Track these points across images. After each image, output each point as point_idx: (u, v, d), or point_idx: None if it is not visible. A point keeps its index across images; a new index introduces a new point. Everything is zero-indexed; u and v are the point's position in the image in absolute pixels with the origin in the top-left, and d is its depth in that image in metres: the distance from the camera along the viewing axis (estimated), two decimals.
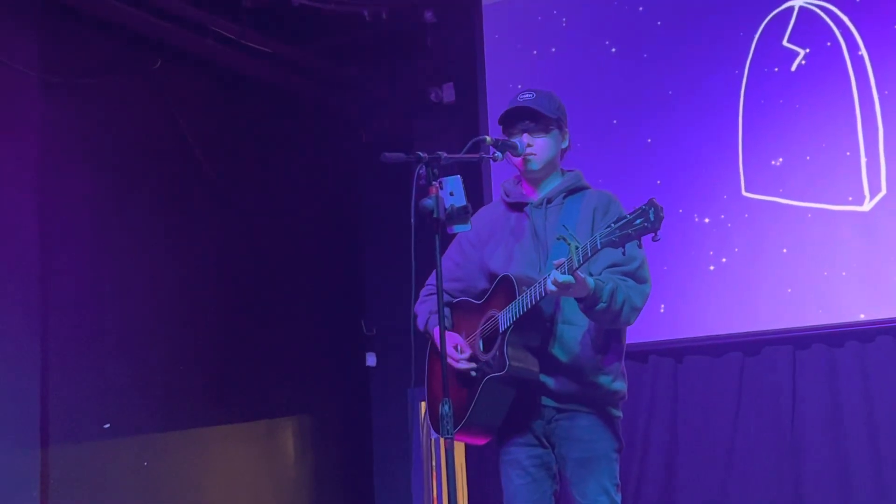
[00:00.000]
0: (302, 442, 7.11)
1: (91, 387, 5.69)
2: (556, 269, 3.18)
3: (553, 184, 3.64)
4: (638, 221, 2.99)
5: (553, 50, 6.21)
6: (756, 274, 5.51)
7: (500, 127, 3.65)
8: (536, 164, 3.58)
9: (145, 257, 6.12)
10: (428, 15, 6.69)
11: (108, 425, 5.73)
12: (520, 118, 3.56)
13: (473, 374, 3.46)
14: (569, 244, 3.15)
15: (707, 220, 5.66)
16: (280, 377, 6.94)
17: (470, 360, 3.50)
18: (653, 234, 2.98)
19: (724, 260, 5.61)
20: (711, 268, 5.63)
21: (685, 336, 5.69)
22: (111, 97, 6.03)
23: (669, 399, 5.79)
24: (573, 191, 3.61)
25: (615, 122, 5.96)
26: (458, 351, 3.50)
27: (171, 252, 6.29)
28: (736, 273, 5.56)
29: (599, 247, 3.08)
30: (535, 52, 6.26)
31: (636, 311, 3.40)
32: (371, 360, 7.72)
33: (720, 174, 5.67)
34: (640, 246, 3.05)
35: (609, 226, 3.07)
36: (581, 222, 3.47)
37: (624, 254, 3.07)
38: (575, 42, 6.15)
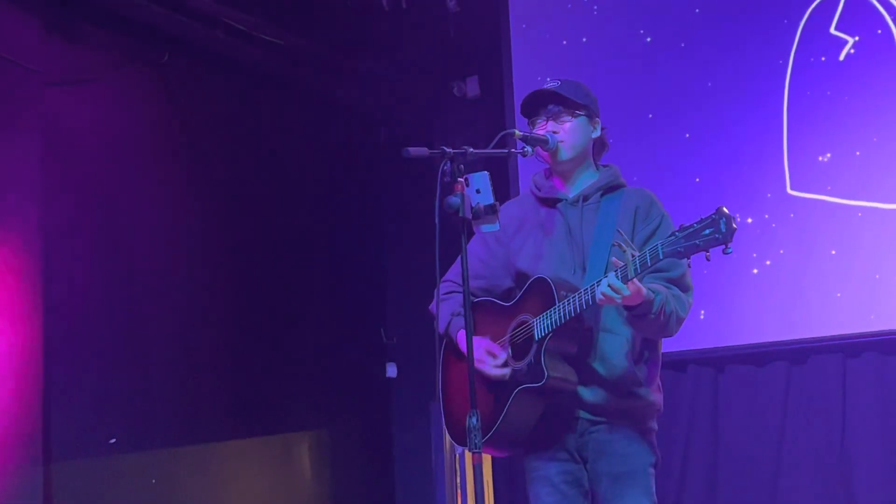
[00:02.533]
0: (319, 458, 7.09)
1: (96, 399, 5.68)
2: (611, 276, 3.11)
3: (587, 179, 3.58)
4: (707, 231, 2.91)
5: (584, 40, 6.16)
6: (803, 277, 5.43)
7: (525, 119, 3.60)
8: (566, 152, 3.51)
9: (155, 261, 6.11)
10: (451, 3, 6.66)
11: (114, 440, 5.72)
12: (543, 104, 3.51)
13: (507, 377, 3.41)
14: (624, 251, 3.08)
15: (750, 220, 5.59)
16: (296, 389, 6.94)
17: (503, 366, 3.44)
18: (724, 247, 2.91)
19: (768, 262, 5.53)
20: (755, 271, 5.55)
21: (727, 344, 5.61)
22: (117, 92, 6.03)
23: (710, 411, 5.72)
24: (611, 189, 3.55)
25: (651, 116, 5.90)
26: (491, 356, 3.43)
27: (182, 256, 6.29)
28: (781, 276, 5.48)
29: (662, 257, 3.01)
30: (564, 42, 6.21)
31: (681, 321, 3.36)
32: (392, 370, 7.70)
33: (764, 171, 5.59)
34: (707, 258, 2.97)
35: (674, 234, 2.99)
36: (621, 224, 3.42)
37: (689, 265, 3.01)
38: (607, 31, 6.09)
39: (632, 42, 6.00)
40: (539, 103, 3.52)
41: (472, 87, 7.15)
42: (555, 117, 3.51)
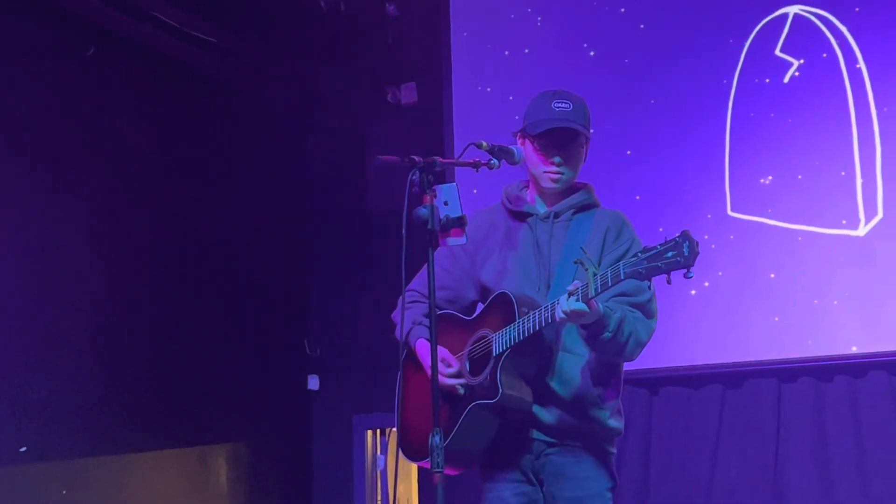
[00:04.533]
0: (236, 471, 7.00)
1: (6, 407, 5.55)
2: (570, 295, 3.14)
3: (561, 196, 3.59)
4: (670, 254, 2.96)
5: (526, 51, 6.20)
6: (741, 300, 5.53)
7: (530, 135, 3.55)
8: (563, 183, 3.54)
9: (70, 265, 5.99)
10: (390, 8, 6.67)
11: (24, 448, 5.60)
12: (558, 138, 3.48)
13: (461, 390, 3.41)
14: (586, 269, 3.10)
15: None
16: (214, 400, 6.83)
17: (456, 376, 3.44)
18: (686, 270, 2.95)
19: (706, 284, 5.61)
20: (693, 292, 5.63)
21: (662, 365, 5.65)
22: (40, 86, 5.90)
23: (642, 434, 5.78)
24: (584, 207, 3.58)
25: (592, 131, 5.91)
26: (445, 365, 3.43)
27: (99, 258, 6.17)
28: (719, 299, 5.57)
29: (623, 277, 3.04)
30: (506, 52, 6.24)
31: (640, 346, 3.38)
32: (313, 383, 7.65)
33: (705, 192, 5.69)
34: (668, 281, 3.00)
35: (636, 255, 3.02)
36: (589, 243, 3.43)
37: (650, 287, 3.04)
38: (550, 43, 6.14)
39: (575, 55, 6.05)
40: (562, 141, 3.49)
41: (408, 95, 7.14)
42: (564, 154, 3.50)
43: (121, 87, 6.41)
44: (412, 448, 3.51)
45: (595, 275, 3.08)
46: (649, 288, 3.07)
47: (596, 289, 3.09)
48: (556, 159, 3.49)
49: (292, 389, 7.54)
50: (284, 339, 7.53)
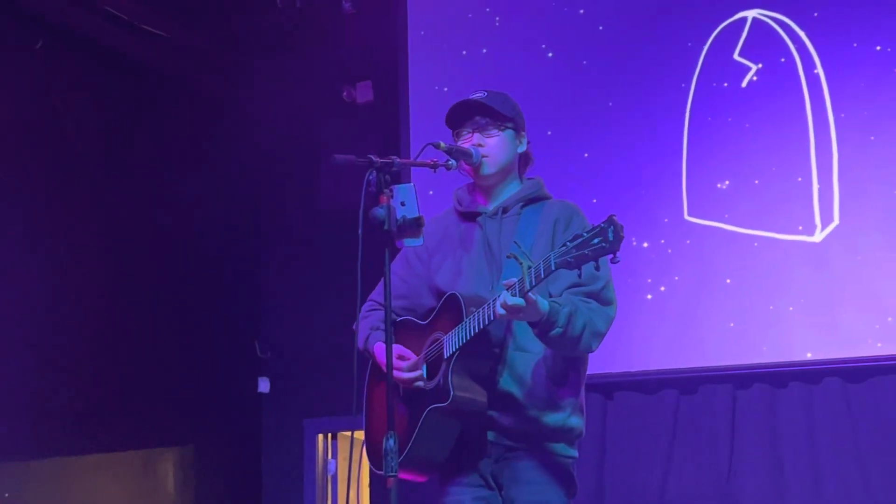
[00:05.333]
0: (183, 475, 6.97)
1: None
2: (507, 290, 3.13)
3: (510, 191, 3.59)
4: (595, 241, 2.95)
5: (484, 51, 6.20)
6: (697, 305, 5.55)
7: (450, 130, 3.60)
8: (489, 167, 3.52)
9: (9, 260, 5.92)
10: (346, 5, 6.64)
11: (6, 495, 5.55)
12: (470, 115, 3.51)
13: (422, 384, 3.40)
14: (521, 263, 3.09)
15: (646, 245, 5.69)
16: (160, 401, 6.79)
17: (412, 369, 3.43)
18: (611, 256, 2.95)
19: (662, 289, 5.64)
20: (649, 296, 5.65)
21: (616, 370, 5.67)
22: None
23: (596, 440, 5.75)
24: (532, 200, 3.56)
25: (549, 133, 5.96)
26: (401, 360, 3.42)
27: (41, 255, 6.12)
28: (675, 303, 5.60)
29: (553, 268, 3.03)
30: (464, 52, 6.23)
31: (599, 336, 3.35)
32: (264, 385, 7.62)
33: (661, 195, 5.71)
34: (597, 268, 3.00)
35: (564, 245, 3.02)
36: (540, 235, 3.43)
37: (580, 276, 3.03)
38: (508, 43, 6.14)
39: (533, 56, 6.06)
40: (466, 115, 3.53)
41: (363, 93, 7.12)
42: (481, 130, 3.51)
43: (69, 80, 6.36)
44: (379, 456, 3.48)
45: (529, 268, 3.08)
46: (597, 270, 3.04)
47: (531, 282, 3.08)
48: (468, 134, 3.50)
49: (242, 392, 7.52)
50: (234, 340, 7.50)
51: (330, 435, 7.42)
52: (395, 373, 3.34)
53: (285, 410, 7.49)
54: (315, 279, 7.40)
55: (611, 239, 2.94)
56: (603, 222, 2.96)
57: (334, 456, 7.42)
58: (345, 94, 7.22)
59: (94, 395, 6.35)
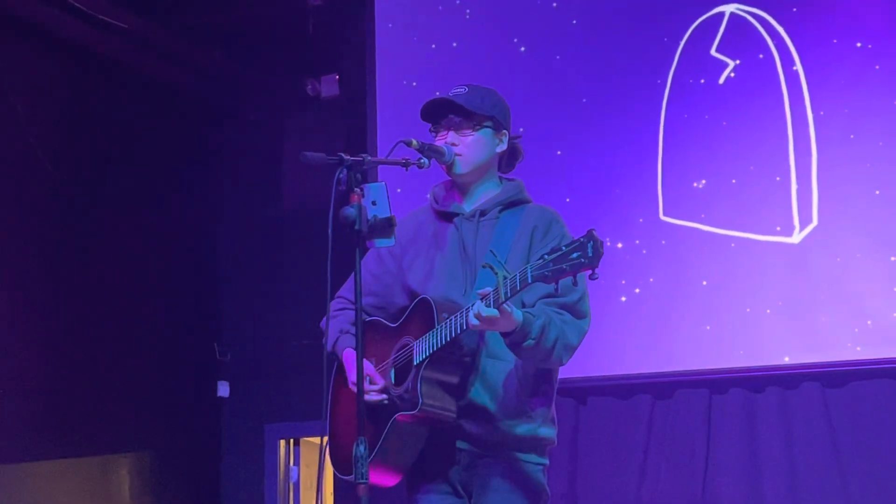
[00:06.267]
0: (140, 481, 6.90)
1: None
2: (481, 300, 3.10)
3: (488, 192, 3.55)
4: (574, 255, 2.92)
5: (454, 45, 6.14)
6: (672, 308, 5.52)
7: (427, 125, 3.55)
8: (462, 166, 3.47)
9: None
10: None
11: None
12: (443, 112, 3.46)
13: (386, 402, 3.37)
14: (496, 274, 3.06)
15: (620, 246, 5.65)
16: (116, 406, 6.73)
17: (382, 392, 3.40)
18: (590, 272, 2.92)
19: (637, 291, 5.60)
20: (623, 298, 5.61)
21: (589, 374, 5.61)
22: None
23: (569, 445, 5.72)
24: (511, 204, 3.52)
25: (521, 129, 5.84)
26: (370, 382, 3.39)
27: None
28: (650, 306, 5.56)
29: (530, 281, 3.01)
30: (433, 45, 6.18)
31: (570, 349, 3.33)
32: (223, 389, 7.59)
33: (636, 195, 5.68)
34: (574, 283, 2.98)
35: (542, 257, 2.99)
36: (517, 241, 3.40)
37: (557, 290, 2.98)
38: (479, 38, 6.09)
39: (505, 51, 6.01)
40: (440, 112, 3.48)
41: (329, 87, 7.06)
42: (456, 128, 3.46)
43: (23, 72, 6.29)
44: (342, 462, 3.45)
45: (505, 279, 3.05)
46: (575, 284, 3.00)
47: (506, 293, 3.06)
48: (443, 132, 3.46)
49: (201, 396, 7.47)
50: (192, 342, 7.45)
51: (292, 441, 7.37)
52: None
53: (245, 415, 7.45)
54: (277, 279, 7.35)
55: (590, 255, 2.91)
56: (583, 237, 2.94)
57: (296, 462, 7.35)
58: (309, 87, 7.16)
59: (49, 399, 6.29)
